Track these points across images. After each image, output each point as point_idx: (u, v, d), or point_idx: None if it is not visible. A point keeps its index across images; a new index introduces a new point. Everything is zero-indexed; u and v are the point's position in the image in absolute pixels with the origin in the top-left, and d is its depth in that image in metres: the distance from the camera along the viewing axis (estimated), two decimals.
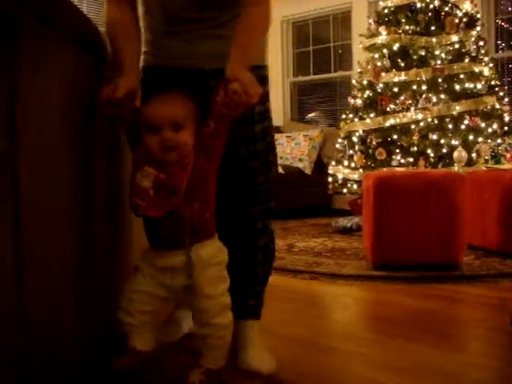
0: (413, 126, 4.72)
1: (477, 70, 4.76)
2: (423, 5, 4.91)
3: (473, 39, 4.87)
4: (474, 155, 4.55)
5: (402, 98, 4.81)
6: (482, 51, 4.88)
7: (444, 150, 4.58)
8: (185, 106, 1.45)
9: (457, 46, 4.80)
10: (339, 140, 5.27)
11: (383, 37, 5.00)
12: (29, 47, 1.10)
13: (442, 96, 4.70)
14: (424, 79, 4.75)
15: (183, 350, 1.87)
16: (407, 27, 4.92)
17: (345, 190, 5.12)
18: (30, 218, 1.11)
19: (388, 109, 4.86)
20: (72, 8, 1.35)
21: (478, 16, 4.98)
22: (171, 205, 1.39)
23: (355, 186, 4.94)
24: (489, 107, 4.72)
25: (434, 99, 4.69)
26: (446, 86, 4.74)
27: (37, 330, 1.16)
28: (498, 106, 4.76)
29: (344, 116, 5.26)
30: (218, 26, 1.67)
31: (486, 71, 4.81)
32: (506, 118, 4.79)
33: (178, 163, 1.40)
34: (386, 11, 5.11)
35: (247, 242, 1.80)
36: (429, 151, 4.61)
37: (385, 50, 5.00)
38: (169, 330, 1.97)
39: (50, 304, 1.26)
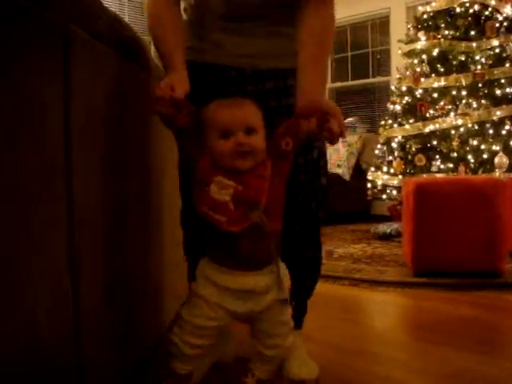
0: (453, 132, 4.68)
1: None
2: (463, 9, 4.87)
3: None
4: None
5: (442, 103, 4.77)
6: None
7: (485, 156, 4.53)
8: (255, 110, 1.34)
9: (497, 50, 4.74)
10: (378, 146, 5.25)
11: (422, 42, 4.97)
12: (82, 60, 1.15)
13: (483, 101, 4.65)
14: (464, 84, 4.71)
15: None
16: (446, 32, 4.89)
17: (384, 196, 5.10)
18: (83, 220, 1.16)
19: (427, 114, 4.83)
20: (120, 21, 1.41)
21: None
22: (252, 219, 1.27)
23: (394, 192, 4.92)
24: None
25: (474, 104, 4.65)
26: (486, 91, 4.68)
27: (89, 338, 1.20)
28: None
29: (383, 122, 5.24)
30: (277, 22, 1.56)
31: None
32: None
33: (253, 173, 1.29)
34: (424, 16, 5.08)
35: (296, 253, 1.70)
36: (469, 157, 4.57)
37: (424, 56, 4.97)
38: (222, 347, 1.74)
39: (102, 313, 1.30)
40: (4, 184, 0.87)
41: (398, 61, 5.72)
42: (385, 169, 5.05)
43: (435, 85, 4.85)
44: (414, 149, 4.84)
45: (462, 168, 4.54)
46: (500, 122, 4.61)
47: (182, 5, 1.60)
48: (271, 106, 1.57)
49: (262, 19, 1.54)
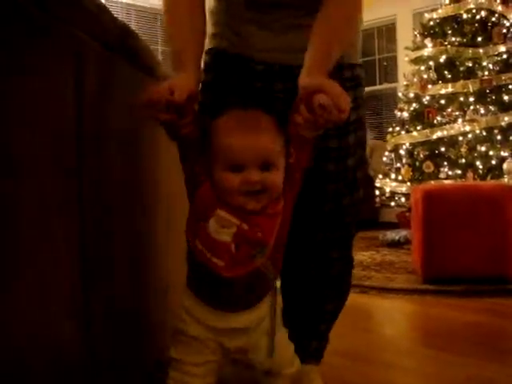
0: (460, 138, 4.68)
1: None
2: (469, 16, 4.89)
3: None
4: None
5: (449, 109, 4.78)
6: None
7: (493, 162, 4.52)
8: (276, 137, 1.08)
9: (504, 56, 4.75)
10: (386, 153, 5.25)
11: (429, 49, 4.99)
12: (93, 70, 1.16)
13: (490, 107, 4.65)
14: (471, 90, 4.71)
15: None
16: (453, 39, 4.90)
17: (392, 203, 5.09)
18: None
19: (435, 121, 4.83)
20: (129, 31, 1.42)
21: None
22: (256, 264, 1.08)
23: (403, 199, 4.91)
24: None
25: (482, 110, 4.65)
26: (493, 97, 4.69)
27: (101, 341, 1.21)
28: None
29: (390, 129, 5.25)
30: (308, 13, 1.33)
31: None
32: None
33: (264, 210, 1.06)
34: (431, 23, 5.10)
35: (318, 273, 1.48)
36: (477, 163, 4.56)
37: (431, 62, 4.98)
38: None
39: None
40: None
41: (404, 68, 5.73)
42: (393, 176, 5.05)
43: (443, 91, 4.85)
44: (421, 155, 4.84)
45: (470, 174, 4.54)
46: (508, 128, 4.61)
47: None
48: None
49: (289, 8, 1.36)
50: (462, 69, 4.82)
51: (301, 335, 1.43)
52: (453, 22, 4.98)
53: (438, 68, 4.94)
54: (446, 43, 4.91)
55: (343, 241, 1.51)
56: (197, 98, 1.19)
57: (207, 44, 1.42)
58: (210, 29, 1.44)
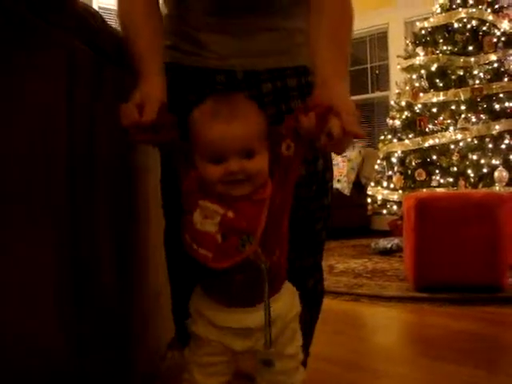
0: (452, 147, 4.69)
1: None
2: (460, 25, 4.91)
3: None
4: None
5: (441, 118, 4.79)
6: None
7: (484, 170, 4.54)
8: (257, 122, 1.05)
9: (495, 65, 4.77)
10: (378, 161, 5.26)
11: (421, 57, 5.00)
12: (85, 75, 1.15)
13: (482, 115, 4.67)
14: (463, 99, 4.73)
15: None
16: (445, 47, 4.91)
17: (384, 211, 5.09)
18: None
19: (427, 129, 4.84)
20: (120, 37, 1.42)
21: None
22: (245, 253, 1.03)
23: (395, 207, 4.91)
24: None
25: (474, 119, 4.66)
26: (485, 106, 4.70)
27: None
28: None
29: (382, 137, 5.25)
30: (272, 14, 1.30)
31: None
32: None
33: (249, 197, 1.03)
34: (423, 32, 5.11)
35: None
36: (469, 171, 4.57)
37: (422, 71, 5.00)
38: None
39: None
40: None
41: (396, 76, 5.75)
42: (385, 184, 5.06)
43: (434, 100, 4.86)
44: (413, 163, 4.85)
45: (462, 182, 4.55)
46: (499, 137, 4.63)
47: None
48: (269, 114, 1.22)
49: (252, 12, 1.28)
50: (453, 77, 4.84)
51: None
52: (444, 31, 5.00)
53: (430, 76, 4.96)
54: (438, 52, 4.93)
55: (316, 250, 1.49)
56: (166, 104, 1.12)
57: None
58: None
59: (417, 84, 5.02)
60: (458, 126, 4.69)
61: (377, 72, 6.95)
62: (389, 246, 4.65)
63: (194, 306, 1.17)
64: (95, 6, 5.07)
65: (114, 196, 1.33)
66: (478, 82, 4.74)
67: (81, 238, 1.13)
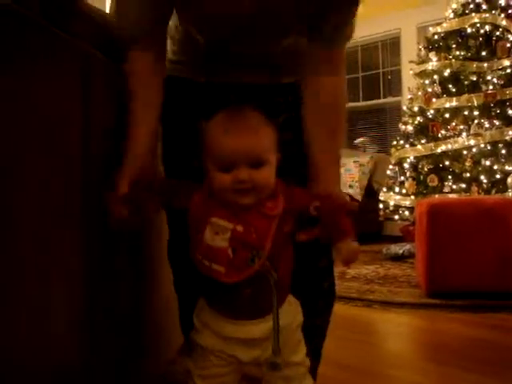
0: (465, 152, 4.67)
1: None
2: (474, 30, 4.90)
3: None
4: None
5: (454, 123, 4.77)
6: None
7: (497, 176, 4.51)
8: (266, 134, 1.10)
9: (509, 70, 4.74)
10: (390, 166, 5.24)
11: (433, 63, 4.99)
12: (102, 82, 1.16)
13: (495, 121, 4.65)
14: (476, 104, 4.71)
15: None
16: (458, 53, 4.90)
17: (396, 217, 5.07)
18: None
19: (439, 135, 4.82)
20: None
21: None
22: (255, 267, 1.05)
23: (407, 213, 4.90)
24: None
25: (487, 124, 4.64)
26: (498, 111, 4.68)
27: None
28: None
29: (395, 142, 5.24)
30: (266, 56, 1.36)
31: None
32: None
33: (259, 210, 1.07)
34: (435, 37, 5.10)
35: (308, 286, 1.38)
36: (482, 177, 4.55)
37: (435, 76, 4.99)
38: None
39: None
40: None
41: (409, 81, 5.74)
42: (397, 189, 5.04)
43: (447, 105, 4.85)
44: (426, 169, 4.83)
45: (474, 188, 4.52)
46: None
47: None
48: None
49: (249, 57, 1.34)
50: (466, 83, 4.82)
51: None
52: (457, 36, 4.99)
53: (443, 82, 4.94)
54: (451, 57, 4.91)
55: (328, 248, 1.43)
56: (142, 182, 1.16)
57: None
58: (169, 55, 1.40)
59: (429, 89, 5.00)
60: (471, 131, 4.66)
61: (389, 77, 6.94)
62: (401, 251, 4.63)
63: (198, 318, 1.19)
64: (107, 10, 5.09)
65: None
66: (491, 87, 4.72)
67: (95, 247, 1.14)
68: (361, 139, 7.02)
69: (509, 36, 4.87)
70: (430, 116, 4.94)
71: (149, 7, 1.20)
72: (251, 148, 1.06)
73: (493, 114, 4.68)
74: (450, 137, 4.77)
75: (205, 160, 1.10)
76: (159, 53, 1.28)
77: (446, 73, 4.90)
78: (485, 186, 4.53)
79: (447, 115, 4.84)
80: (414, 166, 4.95)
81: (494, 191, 4.48)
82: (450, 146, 4.73)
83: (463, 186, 4.60)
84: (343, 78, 1.36)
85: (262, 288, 1.08)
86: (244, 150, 1.05)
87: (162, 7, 1.23)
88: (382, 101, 6.95)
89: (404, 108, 5.44)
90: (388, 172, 5.27)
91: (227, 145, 1.06)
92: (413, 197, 4.82)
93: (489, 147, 4.61)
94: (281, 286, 1.11)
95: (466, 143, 4.66)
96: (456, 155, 4.72)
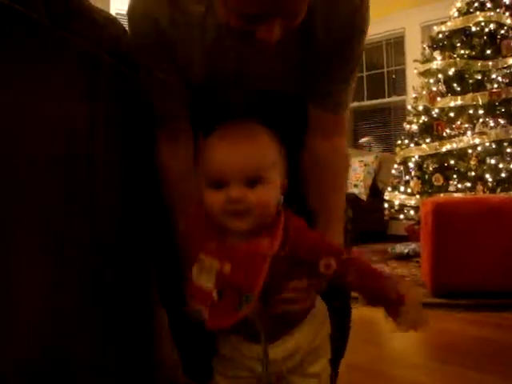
0: (470, 151, 4.65)
1: None
2: (478, 28, 4.87)
3: None
4: None
5: (459, 122, 4.75)
6: None
7: (503, 175, 4.49)
8: (268, 147, 0.97)
9: None
10: (395, 166, 5.23)
11: (438, 62, 4.98)
12: (108, 84, 1.16)
13: (500, 120, 4.63)
14: (481, 103, 4.69)
15: None
16: (462, 51, 4.88)
17: (401, 216, 5.06)
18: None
19: (444, 134, 4.81)
20: None
21: None
22: (242, 313, 0.92)
23: (412, 212, 4.88)
24: None
25: (492, 123, 4.63)
26: (503, 110, 4.66)
27: None
28: None
29: (399, 141, 5.23)
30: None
31: None
32: None
33: (251, 245, 0.93)
34: (440, 36, 5.08)
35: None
36: (487, 176, 4.53)
37: (440, 75, 4.97)
38: None
39: None
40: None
41: (413, 80, 5.72)
42: (402, 188, 5.03)
43: (452, 104, 4.83)
44: (431, 168, 4.81)
45: (479, 187, 4.51)
46: None
47: None
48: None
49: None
50: (471, 81, 4.80)
51: None
52: (462, 34, 4.97)
53: (447, 81, 4.92)
54: (455, 56, 4.89)
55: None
56: None
57: None
58: None
59: (434, 88, 4.99)
60: (476, 130, 4.65)
61: (393, 76, 6.92)
62: (406, 251, 4.62)
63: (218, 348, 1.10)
64: (112, 12, 5.10)
65: (137, 204, 1.34)
66: (496, 86, 4.70)
67: (101, 245, 1.14)
68: (365, 138, 7.01)
69: None
70: (435, 115, 4.92)
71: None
72: (247, 161, 0.92)
73: (498, 112, 4.67)
74: (454, 136, 4.76)
75: (200, 175, 0.99)
76: (184, 131, 1.24)
77: (451, 72, 4.89)
78: (490, 184, 4.51)
79: (452, 114, 4.83)
80: (419, 165, 4.94)
81: (499, 190, 4.47)
82: (454, 145, 4.72)
83: (468, 184, 4.59)
84: (344, 140, 1.29)
85: (254, 337, 1.00)
86: (238, 163, 0.91)
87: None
88: (386, 100, 6.93)
89: (409, 107, 5.43)
90: (393, 171, 5.26)
91: (219, 155, 0.93)
92: (418, 196, 4.81)
93: (494, 146, 4.60)
94: (290, 315, 1.01)
95: (471, 142, 4.65)
96: (461, 154, 4.70)
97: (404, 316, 1.01)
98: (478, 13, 4.90)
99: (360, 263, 1.04)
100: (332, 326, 1.18)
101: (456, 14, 5.03)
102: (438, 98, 4.91)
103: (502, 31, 4.86)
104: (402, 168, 5.10)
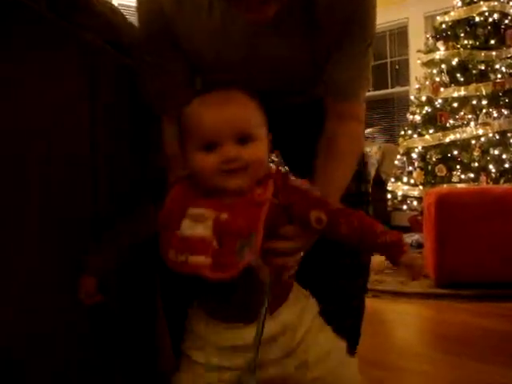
0: (473, 142, 4.65)
1: None
2: (482, 18, 4.86)
3: None
4: None
5: (462, 113, 4.75)
6: None
7: (506, 166, 4.49)
8: (253, 108, 0.98)
9: None
10: (398, 156, 5.23)
11: (441, 52, 4.96)
12: (109, 74, 1.16)
13: (503, 110, 4.62)
14: (484, 94, 4.68)
15: None
16: (466, 41, 4.87)
17: (404, 207, 5.06)
18: None
19: (447, 124, 4.80)
20: None
21: None
22: (244, 262, 0.90)
23: (415, 203, 4.89)
24: None
25: (495, 114, 4.62)
26: (506, 100, 4.66)
27: None
28: None
29: (403, 132, 5.22)
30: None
31: None
32: None
33: (247, 198, 0.93)
34: (443, 26, 5.07)
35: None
36: (490, 167, 4.53)
37: (443, 65, 4.96)
38: None
39: None
40: None
41: (416, 71, 5.71)
42: (405, 179, 5.03)
43: (455, 94, 4.82)
44: (434, 159, 4.81)
45: (483, 178, 4.50)
46: None
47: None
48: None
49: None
50: (474, 72, 4.79)
51: None
52: (465, 24, 4.95)
53: (451, 71, 4.91)
54: (459, 46, 4.88)
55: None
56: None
57: None
58: None
59: (437, 79, 4.98)
60: (480, 120, 4.64)
61: (397, 67, 6.91)
62: (409, 242, 4.62)
63: (188, 325, 1.06)
64: (115, 3, 5.09)
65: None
66: (499, 76, 4.69)
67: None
68: (369, 129, 6.99)
69: None
70: (438, 105, 4.91)
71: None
72: (237, 119, 0.93)
73: (501, 103, 4.66)
74: (458, 126, 4.75)
75: (183, 143, 0.97)
76: None
77: (454, 62, 4.87)
78: (493, 175, 4.51)
79: (455, 105, 4.82)
80: (422, 156, 4.93)
81: (502, 181, 4.47)
82: (458, 136, 4.71)
83: (471, 175, 4.59)
84: (361, 127, 1.31)
85: (255, 291, 0.96)
86: (229, 122, 0.92)
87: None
88: (389, 91, 6.92)
89: (412, 98, 5.42)
90: (396, 162, 5.26)
91: (209, 117, 0.92)
92: (421, 187, 4.81)
93: (497, 136, 4.59)
94: (280, 285, 1.00)
95: (475, 133, 4.64)
96: (464, 145, 4.70)
97: (404, 263, 1.01)
98: (481, 2, 4.88)
99: (349, 214, 1.02)
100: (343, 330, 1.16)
101: (459, 4, 5.02)
102: (442, 89, 4.89)
103: (506, 21, 4.84)
104: (405, 159, 5.10)
